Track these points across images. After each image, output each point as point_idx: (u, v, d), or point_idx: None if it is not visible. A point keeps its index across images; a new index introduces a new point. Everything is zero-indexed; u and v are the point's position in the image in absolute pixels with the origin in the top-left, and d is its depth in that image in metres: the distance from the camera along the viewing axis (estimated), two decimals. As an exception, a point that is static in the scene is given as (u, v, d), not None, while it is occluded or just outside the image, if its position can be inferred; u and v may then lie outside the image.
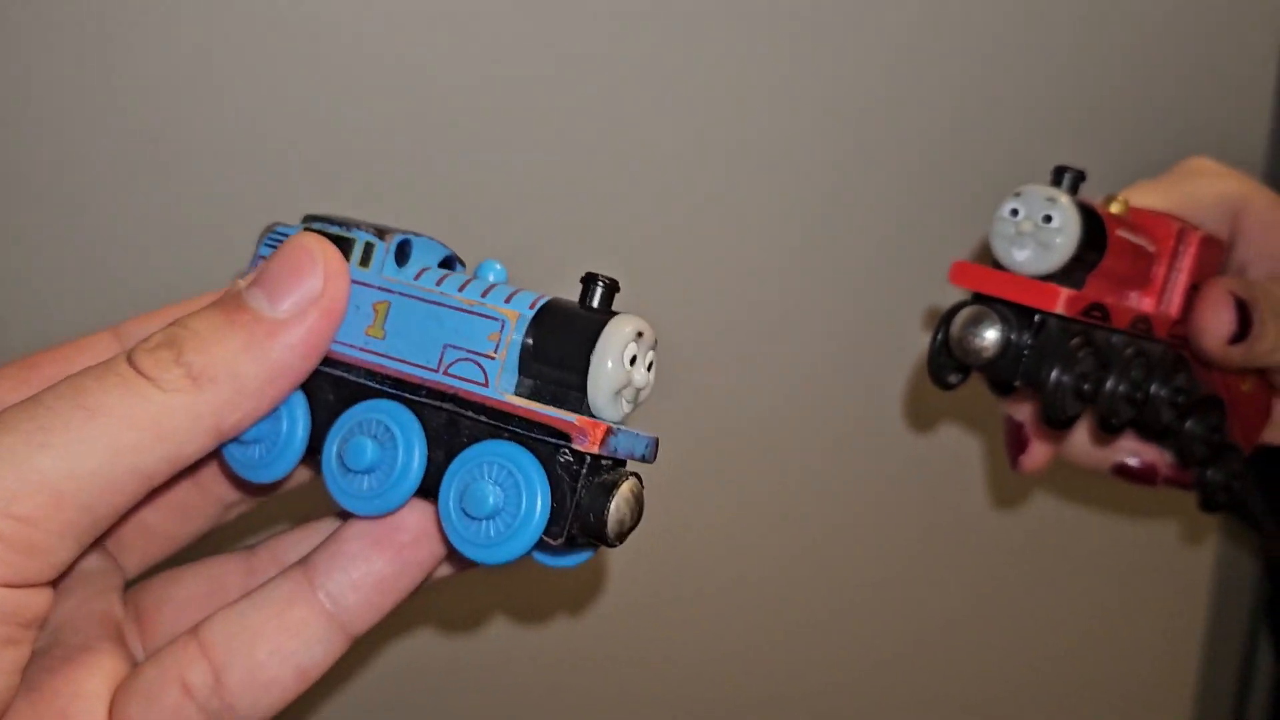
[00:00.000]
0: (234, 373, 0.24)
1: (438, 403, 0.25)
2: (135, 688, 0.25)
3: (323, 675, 0.26)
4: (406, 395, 0.26)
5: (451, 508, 0.25)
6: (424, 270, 0.27)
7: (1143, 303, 0.36)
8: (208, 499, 0.30)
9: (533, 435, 0.24)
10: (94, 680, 0.25)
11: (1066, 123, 0.58)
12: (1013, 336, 0.33)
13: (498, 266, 0.27)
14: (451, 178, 0.46)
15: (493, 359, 0.25)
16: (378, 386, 0.26)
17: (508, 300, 0.26)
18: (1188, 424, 0.38)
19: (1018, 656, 0.66)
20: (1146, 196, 0.39)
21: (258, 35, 0.43)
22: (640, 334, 0.25)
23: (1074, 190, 0.34)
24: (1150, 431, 0.37)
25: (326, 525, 0.30)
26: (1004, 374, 0.33)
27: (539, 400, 0.25)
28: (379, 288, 0.26)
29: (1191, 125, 0.60)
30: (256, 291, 0.25)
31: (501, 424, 0.25)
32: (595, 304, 0.26)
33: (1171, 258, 0.36)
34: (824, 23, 0.52)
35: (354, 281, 0.26)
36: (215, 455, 0.27)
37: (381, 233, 0.27)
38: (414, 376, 0.26)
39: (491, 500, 0.24)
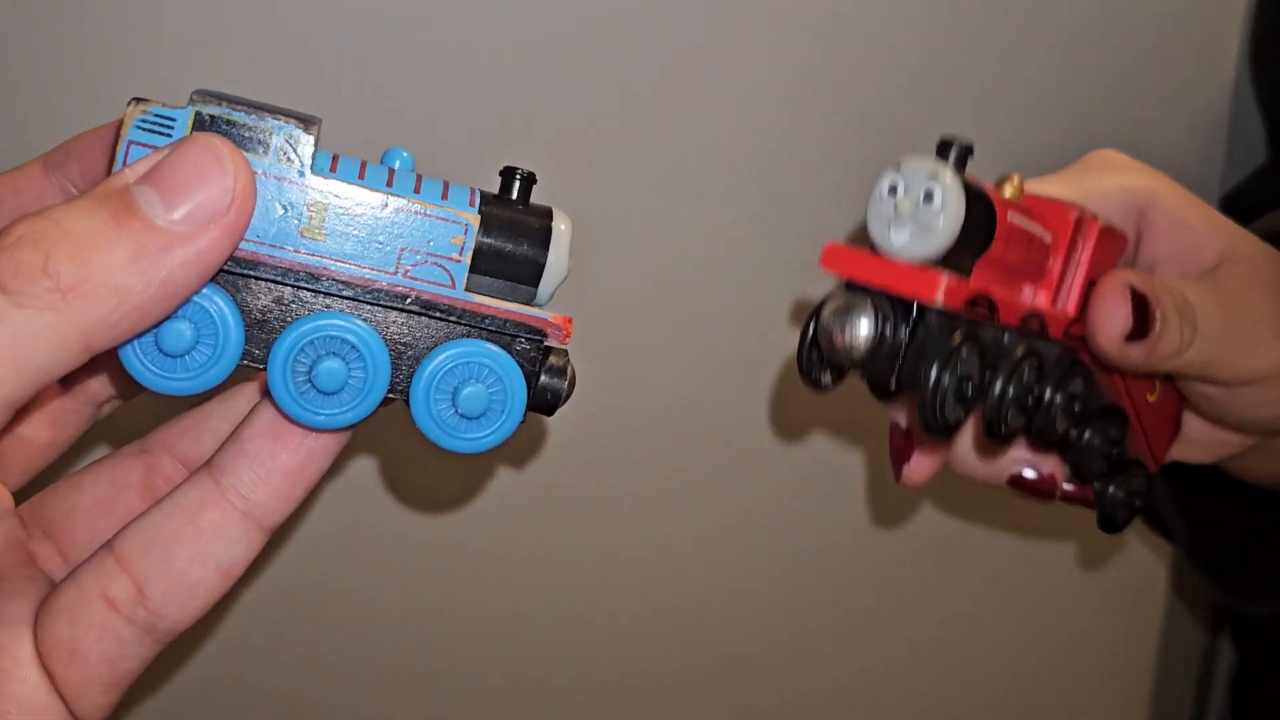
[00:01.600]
0: (114, 287, 0.22)
1: (398, 305, 0.26)
2: (58, 608, 0.24)
3: (244, 572, 0.27)
4: (361, 300, 0.25)
5: (432, 408, 0.26)
6: (338, 160, 0.26)
7: (1037, 298, 0.33)
8: (79, 400, 0.28)
9: (500, 331, 0.26)
10: (16, 606, 0.24)
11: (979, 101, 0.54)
12: (887, 332, 0.29)
13: (404, 154, 0.27)
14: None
15: (459, 261, 0.26)
16: (326, 290, 0.25)
17: (458, 201, 0.26)
18: (1085, 435, 0.35)
19: (971, 662, 0.64)
20: (1047, 186, 0.36)
21: None
22: (569, 227, 0.28)
23: (961, 165, 0.29)
24: (1044, 442, 0.34)
25: (214, 409, 0.29)
26: (877, 374, 0.30)
27: (489, 296, 0.27)
28: (309, 187, 0.25)
29: (1143, 128, 0.57)
30: (149, 192, 0.22)
31: (469, 324, 0.26)
32: (516, 197, 0.27)
33: (1069, 249, 0.33)
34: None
35: (269, 176, 0.25)
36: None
37: (308, 124, 0.25)
38: (367, 280, 0.25)
39: (488, 398, 0.26)
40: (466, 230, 0.26)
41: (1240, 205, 0.56)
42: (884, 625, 0.62)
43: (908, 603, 0.62)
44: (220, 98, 0.25)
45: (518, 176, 0.27)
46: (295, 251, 0.25)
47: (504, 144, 0.47)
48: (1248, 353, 0.35)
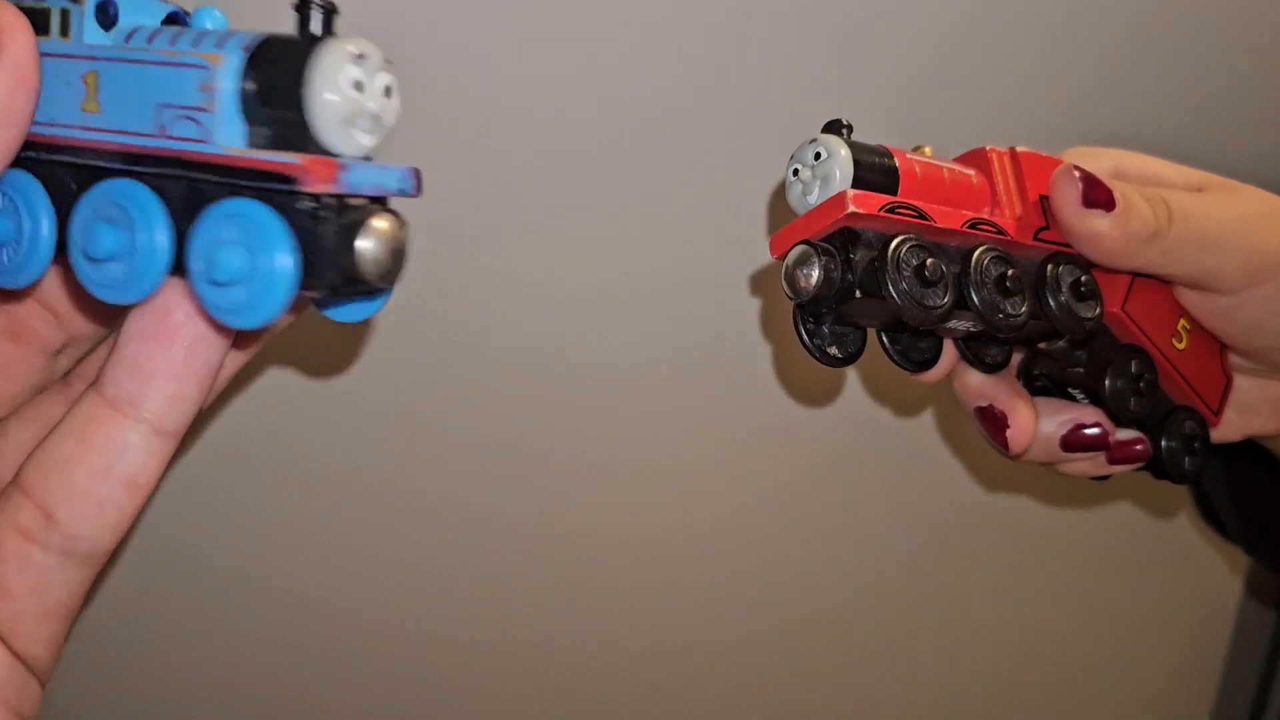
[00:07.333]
0: None
1: (167, 170, 0.23)
2: None
3: (159, 478, 0.25)
4: (137, 169, 0.24)
5: (201, 279, 0.23)
6: (136, 31, 0.24)
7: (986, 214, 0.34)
8: (27, 350, 0.28)
9: (265, 186, 0.23)
10: None
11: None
12: (833, 267, 0.32)
13: (216, 13, 0.25)
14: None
15: (207, 111, 0.23)
16: (106, 165, 0.24)
17: (218, 44, 0.23)
18: (1108, 381, 0.37)
19: (1031, 657, 0.64)
20: None
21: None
22: (361, 55, 0.23)
23: (838, 131, 0.33)
24: (1060, 336, 0.35)
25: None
26: (842, 295, 0.32)
27: (274, 148, 0.23)
28: (85, 57, 0.24)
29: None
30: None
31: (233, 181, 0.23)
32: (316, 32, 0.23)
33: (1010, 179, 0.35)
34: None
35: (58, 55, 0.24)
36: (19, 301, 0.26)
37: None
38: (134, 146, 0.24)
39: (236, 263, 0.23)
40: (208, 73, 0.23)
41: None
42: (952, 603, 0.61)
43: (978, 583, 0.61)
44: None
45: (313, 6, 0.23)
46: (82, 129, 0.24)
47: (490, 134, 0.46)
48: (1241, 236, 0.35)
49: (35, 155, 0.25)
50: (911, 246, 0.31)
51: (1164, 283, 0.38)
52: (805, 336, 0.34)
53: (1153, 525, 0.64)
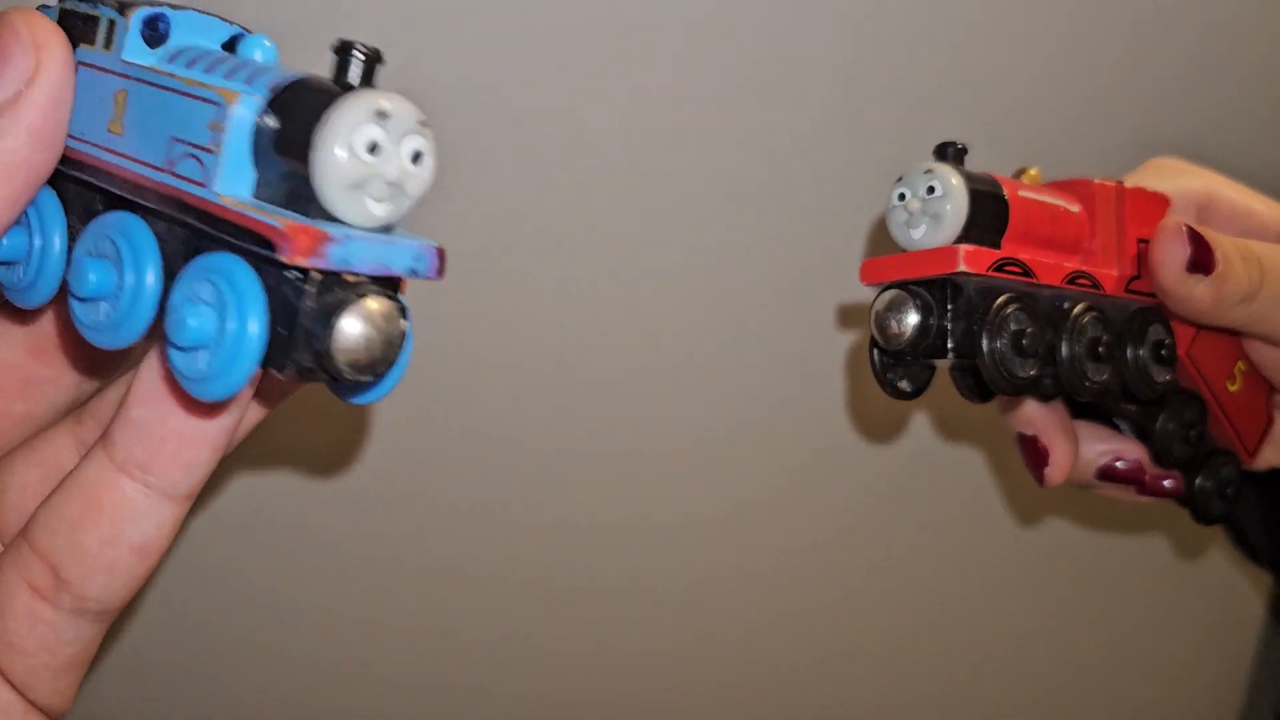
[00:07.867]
0: None
1: (166, 210, 0.21)
2: None
3: (173, 540, 0.24)
4: (141, 203, 0.21)
5: (168, 338, 0.21)
6: (183, 53, 0.22)
7: (1084, 262, 0.34)
8: (55, 369, 0.26)
9: (249, 247, 0.20)
10: None
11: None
12: (931, 319, 0.30)
13: (266, 43, 0.22)
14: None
15: (211, 152, 0.20)
16: (119, 193, 0.22)
17: (246, 80, 0.21)
18: (1159, 422, 0.36)
19: (1050, 677, 0.64)
20: None
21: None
22: (382, 113, 0.20)
23: (956, 160, 0.32)
24: (1134, 399, 0.34)
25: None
26: (937, 353, 0.31)
27: (285, 204, 0.20)
28: (118, 74, 0.22)
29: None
30: None
31: (219, 233, 0.20)
32: (353, 81, 0.20)
33: (1112, 217, 0.34)
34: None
35: (97, 68, 0.22)
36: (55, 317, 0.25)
37: (125, 7, 0.22)
38: (144, 178, 0.21)
39: (193, 324, 0.20)
40: (219, 110, 0.20)
41: None
42: (971, 619, 0.61)
43: (996, 601, 0.61)
44: None
45: (354, 53, 0.20)
46: (105, 150, 0.22)
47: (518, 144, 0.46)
48: None
49: (62, 169, 0.23)
50: (1015, 310, 0.31)
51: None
52: (879, 370, 0.34)
53: (1175, 548, 0.64)
